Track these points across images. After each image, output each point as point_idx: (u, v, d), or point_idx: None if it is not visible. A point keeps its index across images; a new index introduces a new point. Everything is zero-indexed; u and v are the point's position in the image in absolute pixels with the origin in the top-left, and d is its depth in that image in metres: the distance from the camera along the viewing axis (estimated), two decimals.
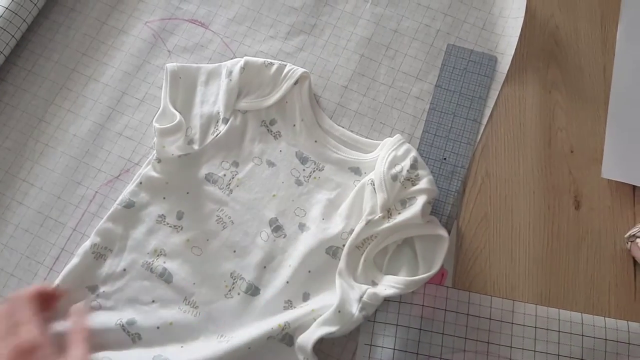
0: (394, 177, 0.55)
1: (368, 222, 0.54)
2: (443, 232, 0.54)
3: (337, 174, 0.59)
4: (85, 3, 0.67)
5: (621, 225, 0.59)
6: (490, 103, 0.63)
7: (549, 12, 0.67)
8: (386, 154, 0.56)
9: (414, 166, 0.55)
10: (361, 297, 0.51)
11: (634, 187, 0.60)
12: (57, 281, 0.53)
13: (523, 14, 0.64)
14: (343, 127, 0.62)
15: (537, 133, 0.62)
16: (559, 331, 0.55)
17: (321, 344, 0.53)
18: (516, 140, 0.62)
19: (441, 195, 0.60)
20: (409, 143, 0.58)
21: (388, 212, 0.54)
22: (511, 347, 0.54)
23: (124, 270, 0.55)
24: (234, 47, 0.65)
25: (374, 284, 0.53)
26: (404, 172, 0.55)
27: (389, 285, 0.52)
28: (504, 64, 0.64)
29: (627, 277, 0.58)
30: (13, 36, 0.62)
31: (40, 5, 0.65)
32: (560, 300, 0.57)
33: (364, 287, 0.52)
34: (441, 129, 0.62)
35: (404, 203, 0.54)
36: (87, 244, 0.55)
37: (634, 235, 0.56)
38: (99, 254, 0.55)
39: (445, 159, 0.61)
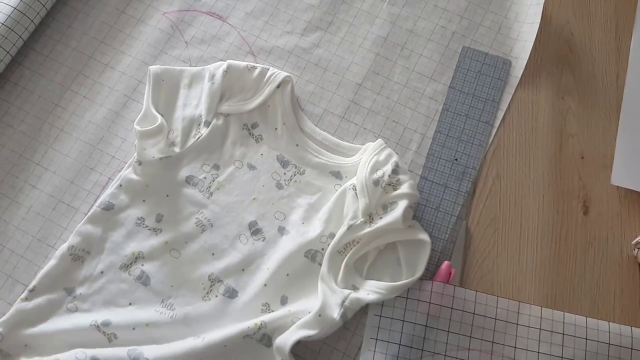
0: (376, 182, 0.55)
1: (350, 227, 0.54)
2: (425, 237, 0.55)
3: (318, 178, 0.59)
4: None
5: (628, 232, 0.60)
6: (503, 106, 0.64)
7: (564, 19, 0.68)
8: (368, 158, 0.57)
9: (395, 171, 0.56)
10: (343, 301, 0.51)
11: None
12: (33, 282, 0.53)
13: (539, 20, 0.65)
14: (325, 131, 0.62)
15: (549, 138, 0.63)
16: (563, 334, 0.55)
17: (326, 338, 0.53)
18: (527, 144, 0.63)
19: (451, 195, 0.60)
20: (390, 148, 0.58)
21: (370, 217, 0.55)
22: (515, 347, 0.54)
23: (102, 272, 0.55)
24: (250, 41, 0.66)
25: (354, 288, 0.53)
26: (386, 177, 0.55)
27: (371, 290, 0.53)
28: (518, 68, 0.65)
29: (632, 284, 0.58)
30: (32, 21, 0.62)
31: None
32: (565, 303, 0.58)
33: (346, 291, 0.52)
34: (453, 130, 0.63)
35: (386, 208, 0.55)
36: (64, 245, 0.55)
37: None
38: (76, 255, 0.55)
39: (456, 159, 0.61)
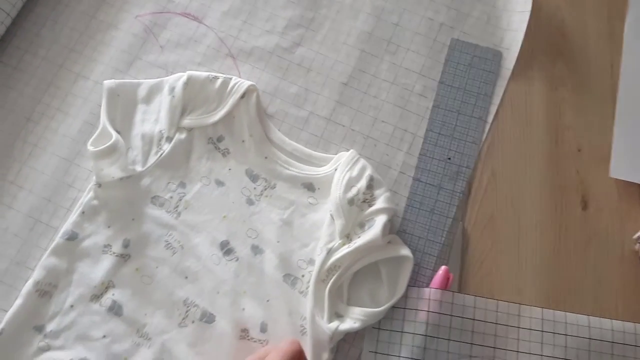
0: (351, 202, 0.53)
1: (329, 251, 0.52)
2: (407, 252, 0.53)
3: (290, 192, 0.56)
4: None
5: (629, 226, 0.58)
6: (496, 100, 0.61)
7: (555, 5, 0.65)
8: (341, 175, 0.54)
9: (370, 186, 0.54)
10: (331, 337, 0.50)
11: None
12: (1, 325, 0.50)
13: (529, 8, 0.62)
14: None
15: (544, 131, 0.61)
16: (565, 335, 0.54)
17: None
18: (522, 139, 0.60)
19: (446, 196, 0.58)
20: (363, 159, 0.56)
21: (347, 237, 0.53)
22: (518, 351, 0.53)
23: (71, 306, 0.52)
24: (229, 43, 0.63)
25: (337, 315, 0.52)
26: (360, 195, 0.53)
27: (357, 318, 0.51)
28: (510, 60, 0.62)
29: (634, 279, 0.57)
30: None
31: None
32: (567, 302, 0.56)
33: (333, 326, 0.51)
34: (445, 128, 0.60)
35: (363, 226, 0.53)
36: (29, 282, 0.52)
37: None
38: (43, 291, 0.52)
39: (449, 158, 0.59)
